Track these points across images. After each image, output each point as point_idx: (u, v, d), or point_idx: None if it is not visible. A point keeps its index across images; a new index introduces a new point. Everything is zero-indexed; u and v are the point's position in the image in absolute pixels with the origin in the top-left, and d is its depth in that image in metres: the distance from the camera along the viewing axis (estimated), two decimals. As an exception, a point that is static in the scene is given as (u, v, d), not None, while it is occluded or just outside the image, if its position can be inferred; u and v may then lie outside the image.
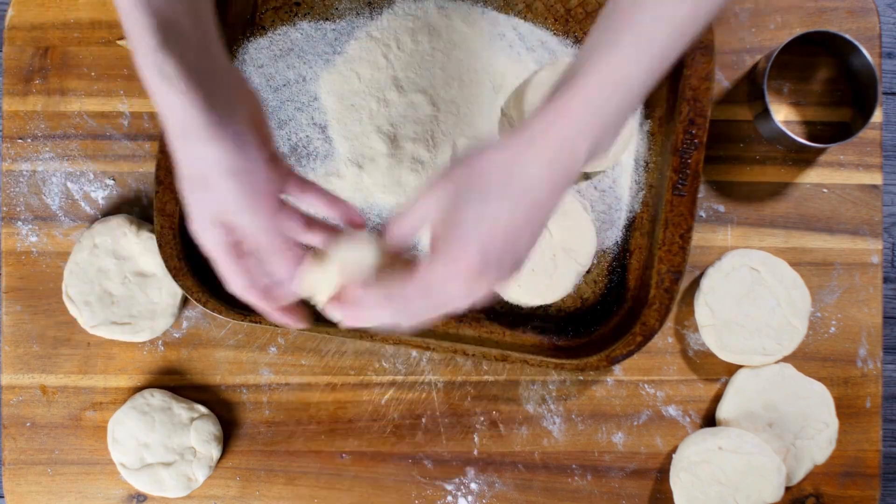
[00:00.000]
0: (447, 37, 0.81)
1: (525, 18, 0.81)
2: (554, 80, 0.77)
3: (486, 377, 0.82)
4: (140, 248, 0.79)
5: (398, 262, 0.59)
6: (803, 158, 0.82)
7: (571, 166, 0.54)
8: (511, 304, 0.81)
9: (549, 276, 0.78)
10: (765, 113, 0.78)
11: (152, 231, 0.79)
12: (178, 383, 0.82)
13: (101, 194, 0.82)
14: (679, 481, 0.79)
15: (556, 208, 0.56)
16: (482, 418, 0.82)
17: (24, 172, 0.82)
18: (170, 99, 0.53)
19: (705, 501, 0.78)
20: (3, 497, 0.86)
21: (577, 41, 0.81)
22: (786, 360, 0.81)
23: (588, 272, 0.81)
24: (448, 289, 0.55)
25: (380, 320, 0.57)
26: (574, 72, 0.54)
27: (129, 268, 0.80)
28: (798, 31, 0.80)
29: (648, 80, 0.55)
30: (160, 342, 0.82)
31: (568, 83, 0.54)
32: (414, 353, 0.82)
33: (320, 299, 0.59)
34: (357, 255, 0.58)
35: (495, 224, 0.54)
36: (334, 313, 0.58)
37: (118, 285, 0.80)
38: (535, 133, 0.54)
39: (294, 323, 0.62)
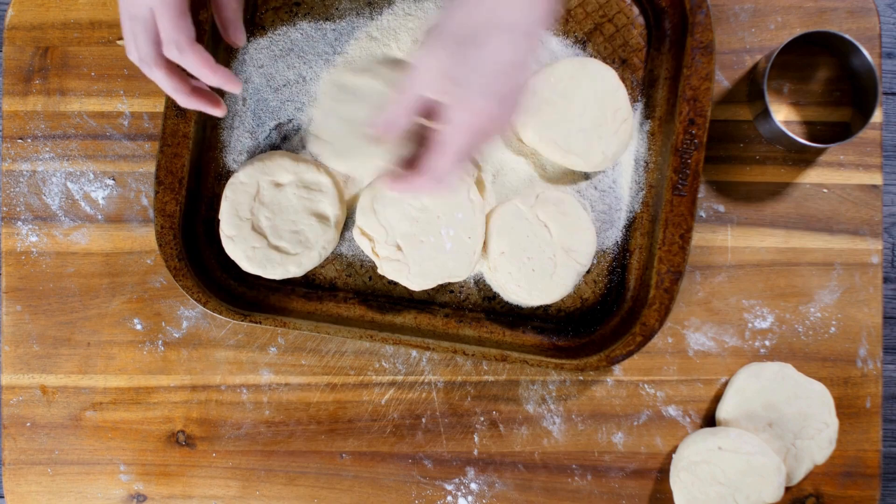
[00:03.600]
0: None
1: (525, 18, 0.81)
2: (552, 83, 0.78)
3: (486, 377, 0.82)
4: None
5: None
6: (803, 158, 0.82)
7: None
8: (511, 304, 0.81)
9: (549, 276, 0.78)
10: (765, 113, 0.78)
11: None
12: (178, 383, 0.82)
13: (101, 194, 0.82)
14: (679, 481, 0.79)
15: (541, 30, 0.59)
16: (482, 418, 0.82)
17: (24, 172, 0.82)
18: None
19: (705, 501, 0.78)
20: (3, 497, 0.86)
21: (577, 41, 0.81)
22: (785, 359, 0.81)
23: (588, 272, 0.81)
24: (469, 138, 0.60)
25: (427, 190, 0.63)
26: None
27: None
28: (798, 31, 0.80)
29: None
30: (160, 342, 0.82)
31: None
32: (414, 353, 0.82)
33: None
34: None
35: (494, 64, 0.58)
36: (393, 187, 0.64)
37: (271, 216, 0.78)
38: None
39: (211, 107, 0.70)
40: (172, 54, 0.65)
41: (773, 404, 0.79)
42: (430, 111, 0.62)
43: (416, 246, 0.76)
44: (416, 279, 0.76)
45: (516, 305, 0.81)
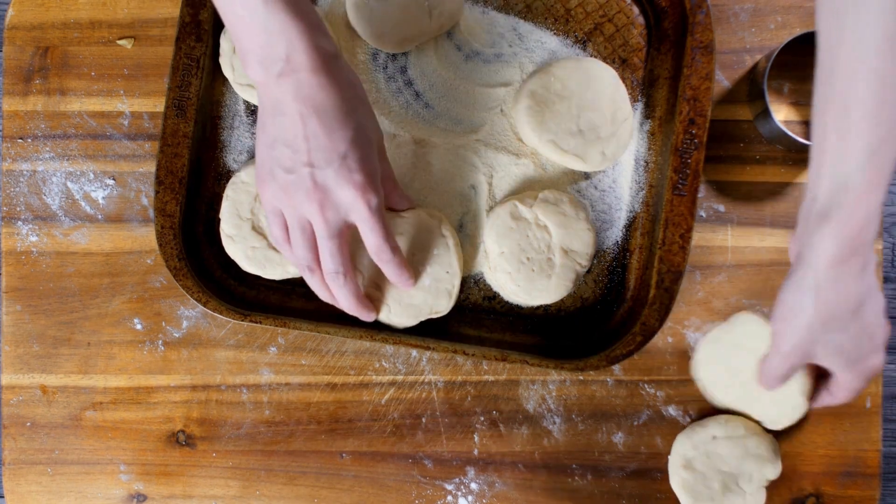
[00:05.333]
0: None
1: (525, 18, 0.81)
2: (552, 83, 0.77)
3: (486, 377, 0.82)
4: None
5: None
6: (803, 158, 0.82)
7: (864, 268, 0.64)
8: (511, 304, 0.81)
9: (549, 277, 0.78)
10: (765, 113, 0.78)
11: None
12: (178, 383, 0.82)
13: (101, 194, 0.82)
14: (680, 479, 0.79)
15: (867, 290, 0.66)
16: (482, 418, 0.82)
17: (24, 172, 0.82)
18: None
19: (710, 495, 0.78)
20: (3, 497, 0.86)
21: (577, 41, 0.81)
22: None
23: (588, 272, 0.81)
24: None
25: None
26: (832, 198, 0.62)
27: None
28: (798, 31, 0.80)
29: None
30: (160, 342, 0.82)
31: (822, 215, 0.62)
32: (414, 353, 0.82)
33: None
34: None
35: (841, 346, 0.68)
36: None
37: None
38: (814, 269, 0.64)
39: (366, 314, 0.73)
40: (331, 281, 0.69)
41: (745, 357, 0.78)
42: None
43: (393, 286, 0.76)
44: (398, 318, 0.77)
45: (516, 305, 0.81)
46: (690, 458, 0.79)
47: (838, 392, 0.72)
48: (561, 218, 0.78)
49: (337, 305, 0.72)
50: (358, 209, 0.65)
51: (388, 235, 0.68)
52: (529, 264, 0.78)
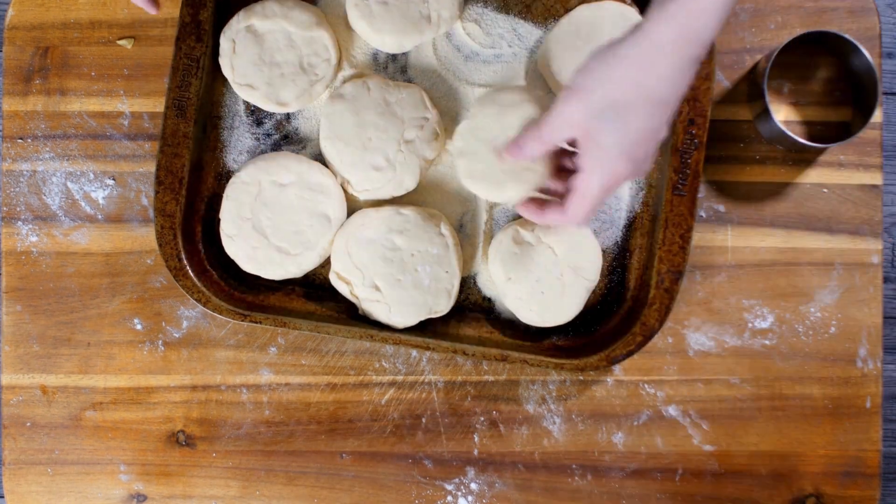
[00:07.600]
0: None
1: (525, 18, 0.81)
2: (573, 30, 0.76)
3: (486, 377, 0.82)
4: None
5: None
6: (803, 158, 0.82)
7: (690, 68, 0.61)
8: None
9: (559, 297, 0.77)
10: (765, 113, 0.78)
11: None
12: (178, 383, 0.82)
13: (101, 194, 0.82)
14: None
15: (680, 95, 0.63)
16: (482, 418, 0.82)
17: (24, 172, 0.82)
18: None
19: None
20: (3, 497, 0.86)
21: (577, 41, 0.81)
22: (786, 359, 0.81)
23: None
24: (603, 193, 0.66)
25: (557, 223, 0.70)
26: None
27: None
28: (798, 31, 0.80)
29: None
30: (160, 342, 0.82)
31: None
32: (414, 353, 0.82)
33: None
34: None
35: (636, 133, 0.63)
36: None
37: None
38: (656, 45, 0.60)
39: None
40: None
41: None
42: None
43: (393, 285, 0.77)
44: (398, 318, 0.77)
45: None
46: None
47: (575, 201, 0.66)
48: (564, 236, 0.78)
49: None
50: None
51: None
52: (539, 286, 0.77)
